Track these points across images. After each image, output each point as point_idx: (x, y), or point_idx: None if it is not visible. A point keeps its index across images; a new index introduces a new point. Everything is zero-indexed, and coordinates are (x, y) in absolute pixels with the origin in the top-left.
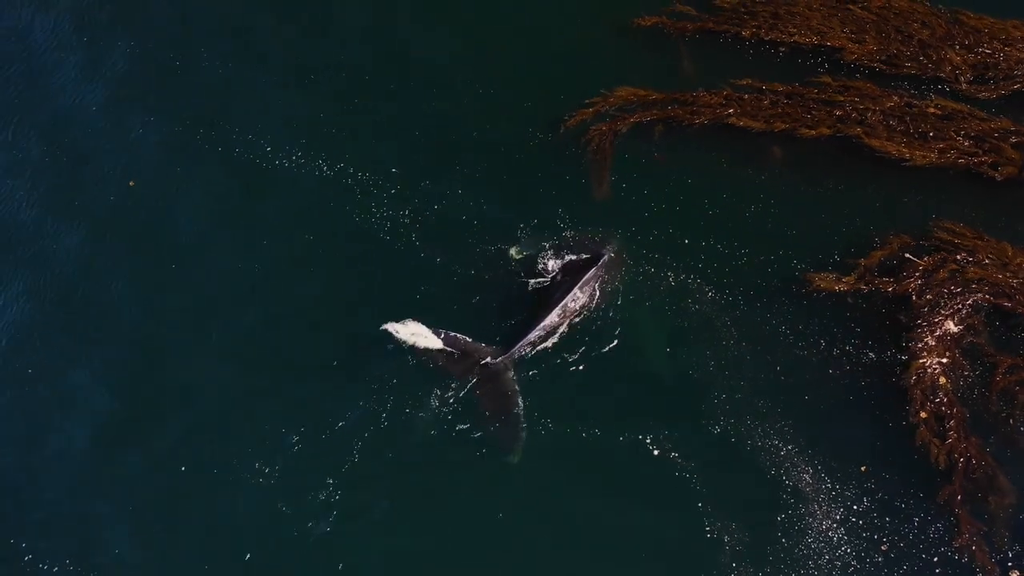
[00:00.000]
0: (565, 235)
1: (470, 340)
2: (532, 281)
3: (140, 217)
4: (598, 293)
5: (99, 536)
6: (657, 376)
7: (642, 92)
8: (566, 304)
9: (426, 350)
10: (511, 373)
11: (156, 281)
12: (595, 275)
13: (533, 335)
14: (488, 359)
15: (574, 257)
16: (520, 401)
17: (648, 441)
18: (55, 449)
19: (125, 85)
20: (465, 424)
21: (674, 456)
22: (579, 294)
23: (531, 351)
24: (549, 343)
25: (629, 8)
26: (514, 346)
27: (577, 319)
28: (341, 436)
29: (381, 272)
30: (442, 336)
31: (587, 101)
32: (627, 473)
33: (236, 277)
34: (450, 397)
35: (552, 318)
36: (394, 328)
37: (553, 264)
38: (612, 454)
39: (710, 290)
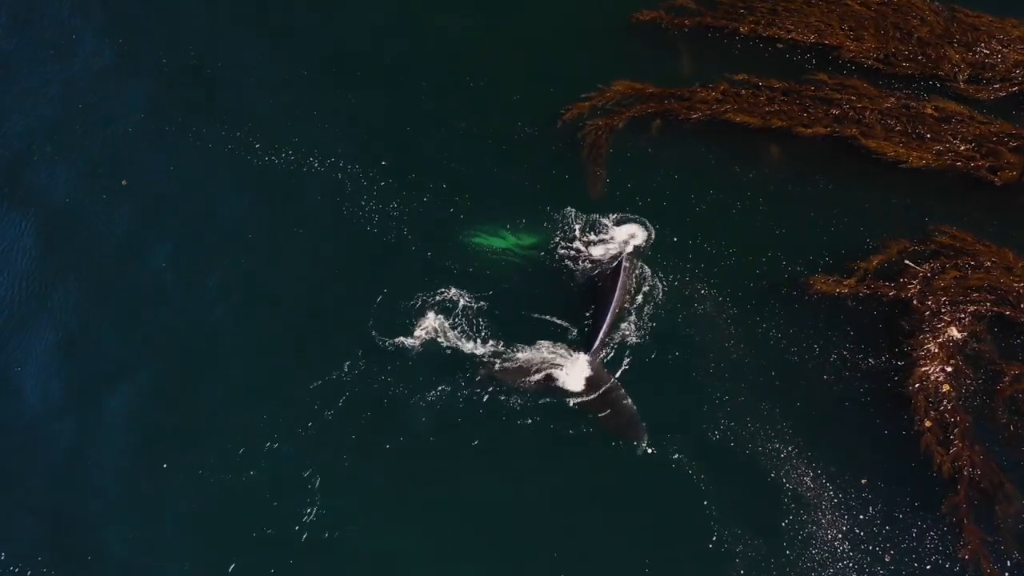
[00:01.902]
0: (573, 229)
1: (552, 348)
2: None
3: (133, 215)
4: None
5: (90, 535)
6: (656, 378)
7: (639, 86)
8: (620, 296)
9: (520, 373)
10: (604, 371)
11: (148, 277)
12: (628, 265)
13: (603, 332)
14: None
15: (596, 251)
16: (624, 390)
17: (643, 444)
18: (46, 448)
19: (114, 83)
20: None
21: (673, 458)
22: (626, 282)
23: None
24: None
25: (627, 3)
26: (592, 346)
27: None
28: (335, 430)
29: (374, 267)
30: (532, 357)
31: (583, 95)
32: (629, 475)
33: (225, 272)
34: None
35: (614, 310)
36: (503, 364)
37: (573, 260)
38: (613, 455)
39: (707, 292)
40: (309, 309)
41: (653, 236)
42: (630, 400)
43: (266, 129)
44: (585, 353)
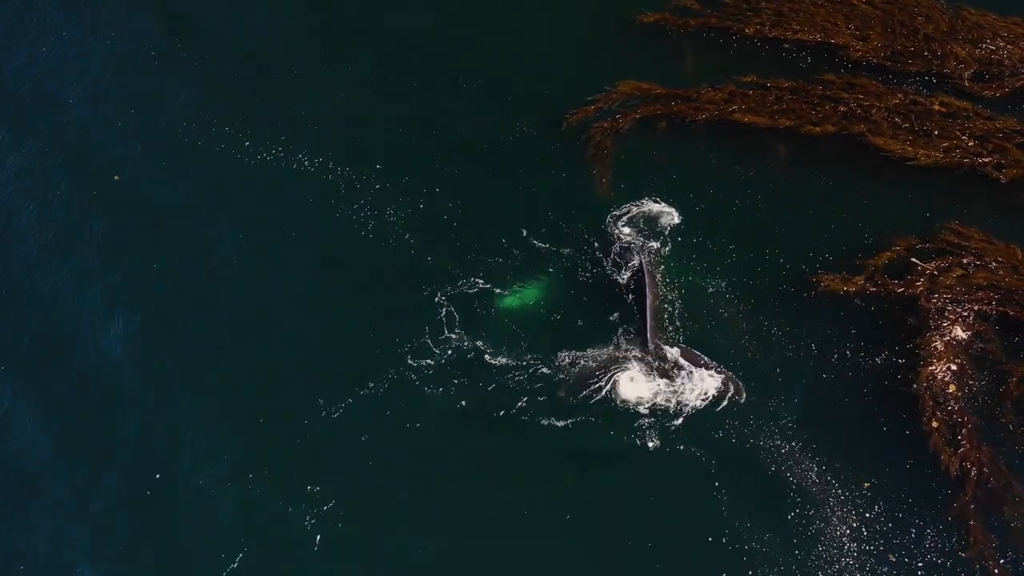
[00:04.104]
0: (579, 231)
1: (612, 348)
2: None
3: (124, 211)
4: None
5: (97, 533)
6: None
7: (645, 87)
8: (652, 292)
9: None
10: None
11: (141, 273)
12: (649, 265)
13: (650, 324)
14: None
15: (610, 252)
16: (705, 356)
17: (649, 443)
18: (58, 455)
19: (106, 80)
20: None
21: (681, 456)
22: (653, 278)
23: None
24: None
25: (632, 4)
26: (647, 338)
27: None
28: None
29: (371, 271)
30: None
31: (589, 98)
32: (635, 474)
33: (216, 271)
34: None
35: (651, 305)
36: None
37: (586, 262)
38: (619, 454)
39: (715, 290)
40: (303, 312)
41: (665, 232)
42: (715, 362)
43: (255, 127)
44: (642, 346)
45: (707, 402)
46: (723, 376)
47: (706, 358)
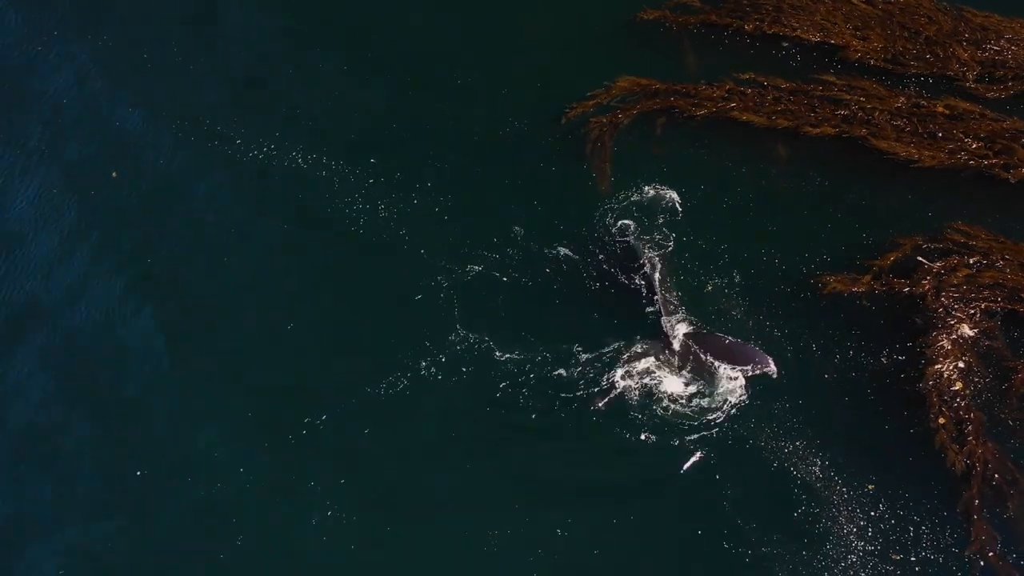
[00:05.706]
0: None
1: (625, 344)
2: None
3: (121, 208)
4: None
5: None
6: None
7: (644, 82)
8: (660, 293)
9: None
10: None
11: (137, 274)
12: (651, 268)
13: (665, 316)
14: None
15: (612, 252)
16: (727, 336)
17: (652, 442)
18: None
19: (101, 77)
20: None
21: (683, 457)
22: (659, 281)
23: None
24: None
25: (632, 2)
26: (662, 328)
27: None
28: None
29: (366, 268)
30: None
31: (588, 93)
32: (636, 475)
33: (208, 268)
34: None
35: (662, 305)
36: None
37: (587, 264)
38: (621, 454)
39: (716, 290)
40: (298, 309)
41: (666, 228)
42: (739, 340)
43: (248, 124)
44: (660, 340)
45: (738, 388)
46: (752, 355)
47: (730, 337)
